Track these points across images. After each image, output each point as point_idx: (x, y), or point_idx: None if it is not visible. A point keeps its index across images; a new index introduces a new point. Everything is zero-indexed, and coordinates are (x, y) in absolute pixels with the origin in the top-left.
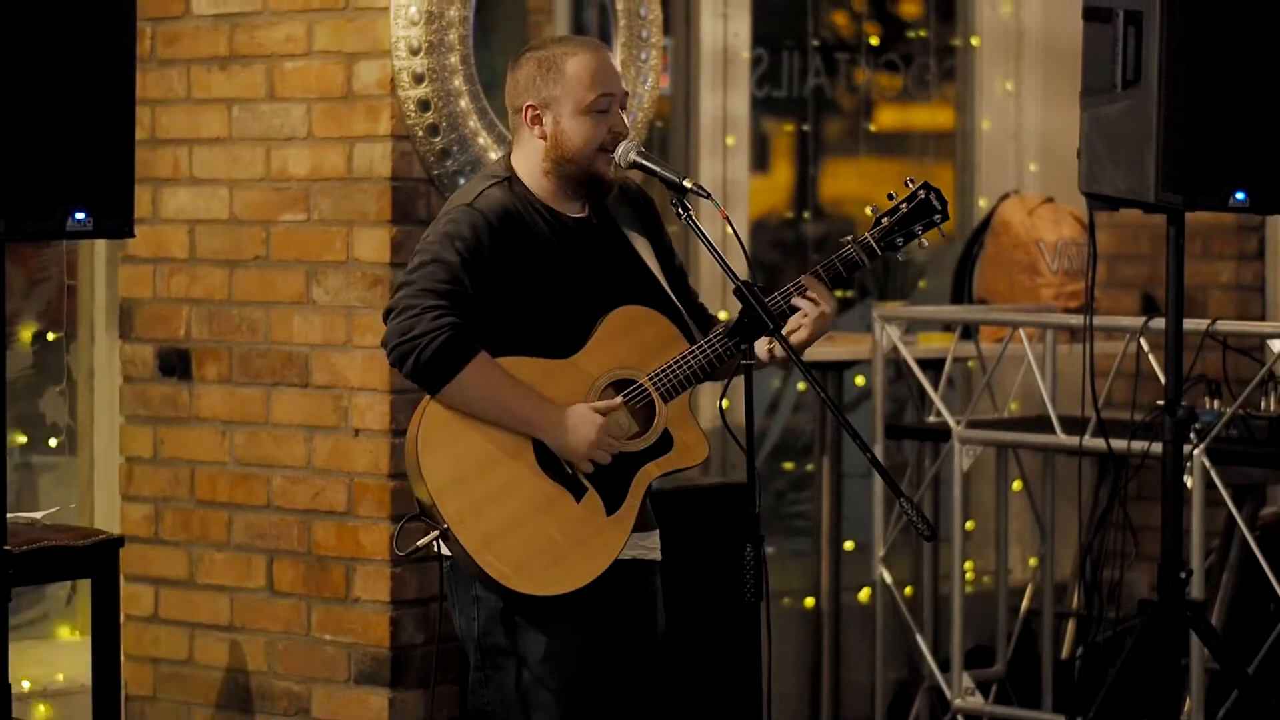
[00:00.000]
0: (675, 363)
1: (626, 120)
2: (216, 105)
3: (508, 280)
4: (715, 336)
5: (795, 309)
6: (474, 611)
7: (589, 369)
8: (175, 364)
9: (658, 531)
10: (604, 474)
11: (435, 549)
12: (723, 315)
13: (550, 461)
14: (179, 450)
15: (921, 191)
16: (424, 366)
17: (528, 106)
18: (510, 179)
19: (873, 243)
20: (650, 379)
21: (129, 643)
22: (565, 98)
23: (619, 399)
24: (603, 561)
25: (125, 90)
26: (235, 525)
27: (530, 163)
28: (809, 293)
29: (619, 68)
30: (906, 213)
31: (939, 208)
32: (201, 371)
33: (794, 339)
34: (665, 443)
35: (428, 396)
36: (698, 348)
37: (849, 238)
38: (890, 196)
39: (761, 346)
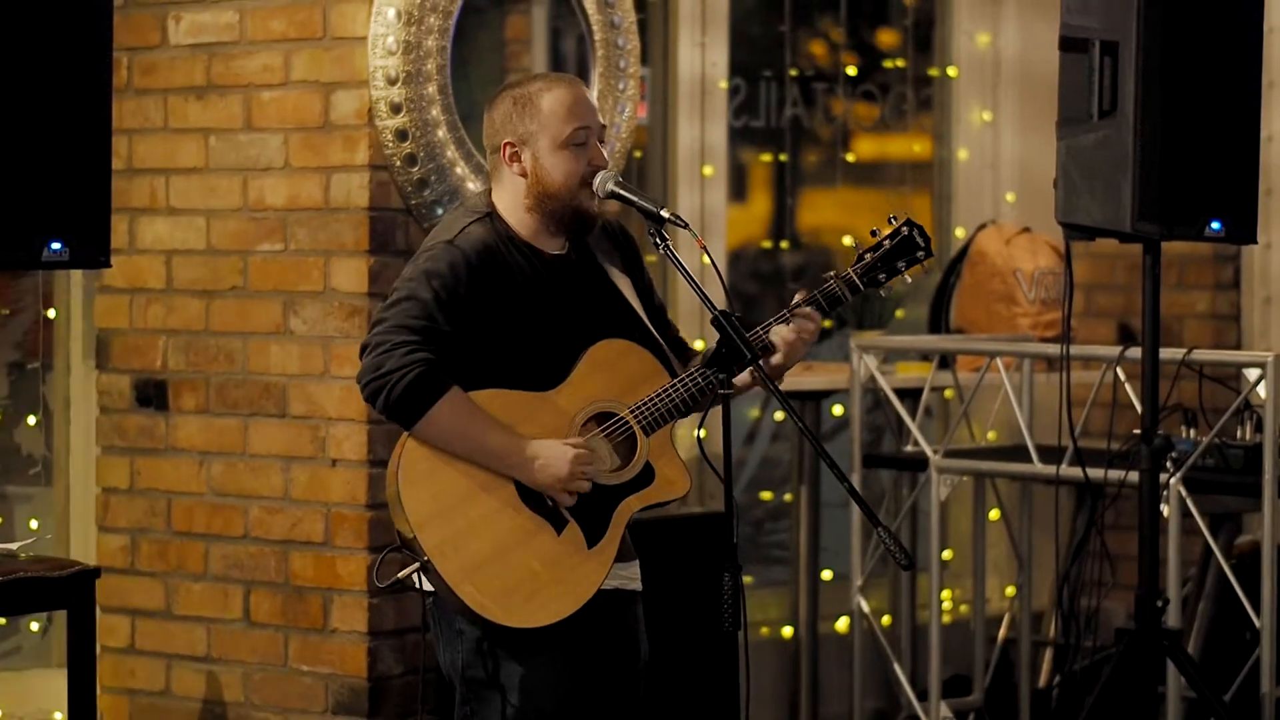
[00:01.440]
0: (656, 396)
1: (605, 152)
2: (193, 135)
3: (487, 317)
4: (696, 370)
5: (772, 345)
6: (457, 645)
7: (570, 402)
8: (152, 394)
9: (638, 562)
10: (585, 507)
11: (415, 581)
12: (699, 345)
13: (531, 494)
14: (155, 481)
15: (905, 228)
16: (395, 403)
17: (505, 144)
18: (491, 215)
19: (855, 278)
20: (631, 412)
21: (105, 674)
22: (542, 133)
23: (597, 432)
24: (583, 594)
25: (102, 120)
26: (212, 556)
27: (511, 200)
28: (797, 320)
29: (596, 98)
30: (890, 249)
31: (922, 244)
32: (178, 402)
33: (772, 361)
34: (647, 476)
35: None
36: (679, 381)
37: (831, 273)
38: (874, 233)
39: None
